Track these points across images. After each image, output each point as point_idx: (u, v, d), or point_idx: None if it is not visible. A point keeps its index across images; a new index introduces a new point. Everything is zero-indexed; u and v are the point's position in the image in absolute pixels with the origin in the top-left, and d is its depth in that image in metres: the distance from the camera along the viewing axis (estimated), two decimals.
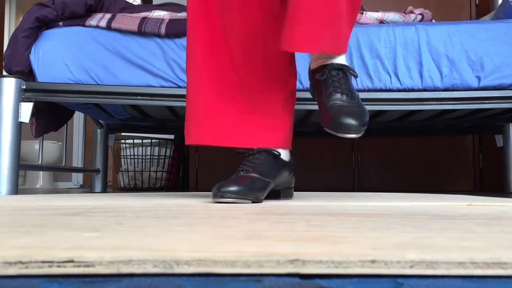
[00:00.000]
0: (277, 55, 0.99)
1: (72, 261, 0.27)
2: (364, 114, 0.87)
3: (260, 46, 0.98)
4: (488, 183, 2.62)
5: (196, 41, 0.96)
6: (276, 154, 0.99)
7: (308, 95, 1.46)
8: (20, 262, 0.27)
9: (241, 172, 0.93)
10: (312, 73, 1.00)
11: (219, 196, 0.85)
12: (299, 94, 1.50)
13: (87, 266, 0.27)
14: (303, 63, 1.47)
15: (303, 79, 1.52)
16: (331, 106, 0.89)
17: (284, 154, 1.02)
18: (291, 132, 1.05)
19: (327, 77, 0.93)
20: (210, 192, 1.51)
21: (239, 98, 0.99)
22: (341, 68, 0.93)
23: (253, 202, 0.87)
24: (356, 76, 0.96)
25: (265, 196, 0.93)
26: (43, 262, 0.27)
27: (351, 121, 0.85)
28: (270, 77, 1.01)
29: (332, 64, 0.94)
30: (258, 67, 0.99)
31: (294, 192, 1.44)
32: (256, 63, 0.99)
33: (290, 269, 0.27)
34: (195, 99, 0.98)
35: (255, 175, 0.92)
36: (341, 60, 0.95)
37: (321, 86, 0.94)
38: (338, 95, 0.90)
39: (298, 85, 1.52)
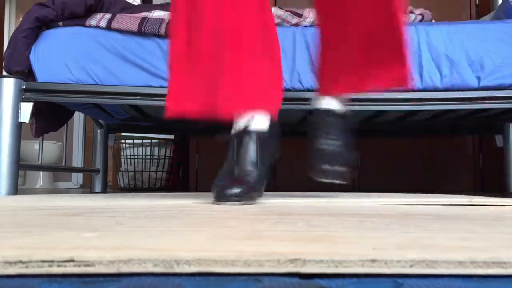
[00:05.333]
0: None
1: (72, 261, 0.27)
2: (345, 156, 0.88)
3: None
4: (488, 183, 2.62)
5: None
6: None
7: (307, 95, 1.46)
8: (20, 262, 0.27)
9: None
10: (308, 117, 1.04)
11: (224, 200, 0.82)
12: (299, 94, 1.50)
13: (88, 265, 0.27)
14: (303, 64, 1.47)
15: (303, 79, 1.51)
16: (314, 149, 0.92)
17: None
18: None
19: (317, 120, 0.97)
20: (210, 192, 1.50)
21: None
22: (330, 111, 0.97)
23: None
24: (350, 114, 0.98)
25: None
26: (43, 261, 0.27)
27: (326, 167, 0.87)
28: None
29: (320, 108, 0.98)
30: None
31: (295, 193, 1.44)
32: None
33: (290, 269, 0.27)
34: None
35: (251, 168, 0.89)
36: (334, 105, 0.99)
37: (312, 128, 0.98)
38: (323, 139, 0.93)
39: (298, 85, 1.52)
